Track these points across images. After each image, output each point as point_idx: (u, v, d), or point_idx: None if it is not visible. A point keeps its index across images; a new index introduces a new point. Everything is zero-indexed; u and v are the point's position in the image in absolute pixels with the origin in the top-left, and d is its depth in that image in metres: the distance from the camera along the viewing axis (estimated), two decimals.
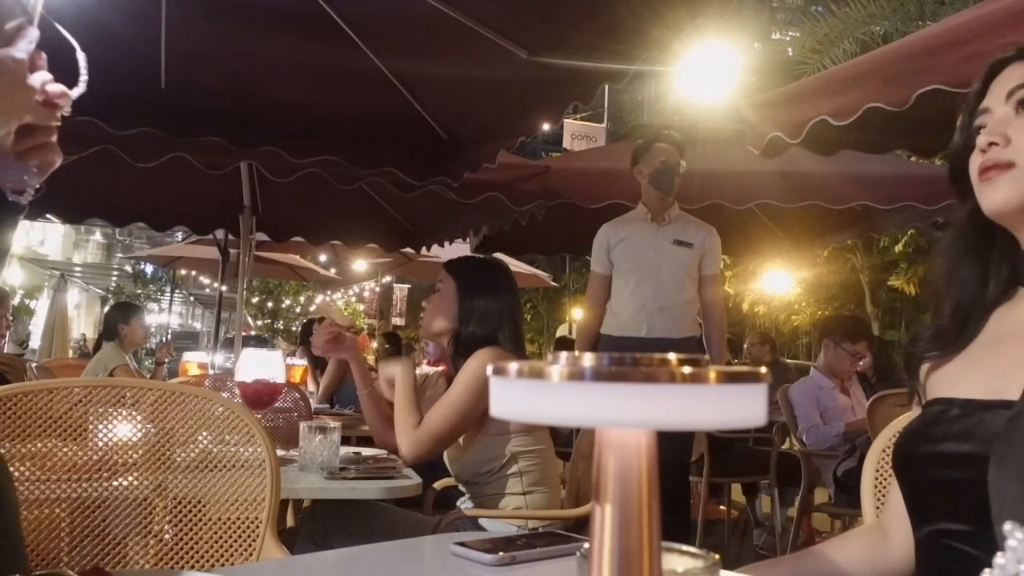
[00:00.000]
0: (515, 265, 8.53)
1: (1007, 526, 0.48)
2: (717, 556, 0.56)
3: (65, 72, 0.90)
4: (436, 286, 2.36)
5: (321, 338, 2.29)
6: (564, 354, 0.40)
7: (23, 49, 0.83)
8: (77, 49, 0.90)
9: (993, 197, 0.95)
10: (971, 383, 0.96)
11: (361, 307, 21.89)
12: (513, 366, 0.40)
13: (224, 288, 7.08)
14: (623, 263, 3.63)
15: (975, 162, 0.98)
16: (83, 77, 0.90)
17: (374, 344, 13.70)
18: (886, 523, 1.07)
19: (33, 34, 0.85)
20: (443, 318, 2.27)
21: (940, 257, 1.07)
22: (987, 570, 0.48)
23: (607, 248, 3.70)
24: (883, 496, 1.26)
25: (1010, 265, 1.00)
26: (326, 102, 3.44)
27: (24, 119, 0.85)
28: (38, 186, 0.90)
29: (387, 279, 15.71)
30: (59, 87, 0.88)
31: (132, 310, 5.13)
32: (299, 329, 8.42)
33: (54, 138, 0.90)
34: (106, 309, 6.34)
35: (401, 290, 18.57)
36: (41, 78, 0.86)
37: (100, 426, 1.42)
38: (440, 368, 2.62)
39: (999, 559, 0.48)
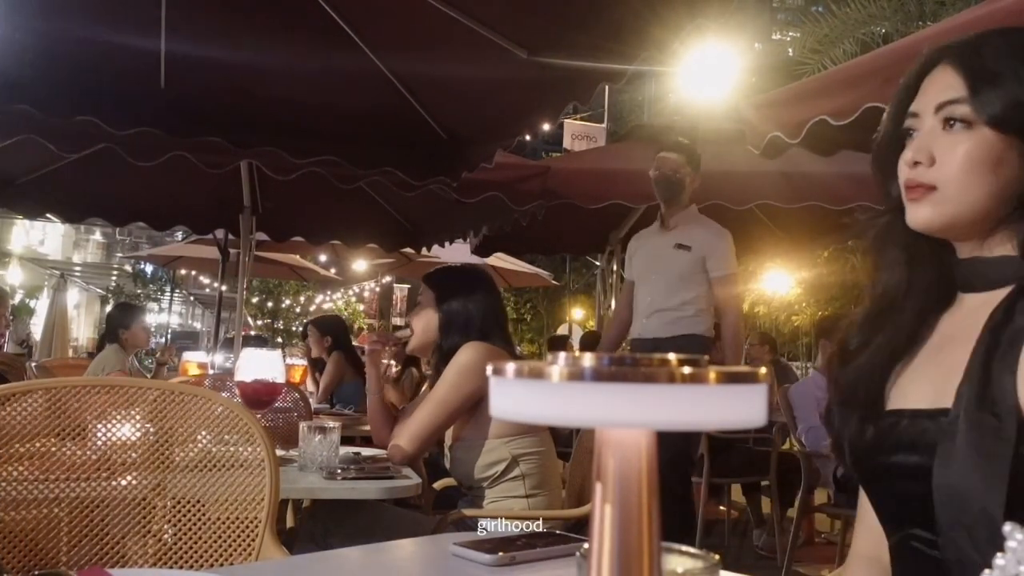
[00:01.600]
0: (515, 265, 8.53)
1: (1007, 527, 0.48)
2: (717, 556, 0.56)
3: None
4: (417, 299, 2.39)
5: (377, 341, 2.42)
6: (564, 354, 0.40)
7: None
8: None
9: (916, 216, 0.95)
10: (916, 392, 0.96)
11: (361, 307, 21.88)
12: (513, 366, 0.40)
13: (224, 288, 7.08)
14: (634, 270, 3.82)
15: (902, 172, 0.97)
16: None
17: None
18: (871, 548, 1.06)
19: None
20: (428, 331, 2.29)
21: (868, 255, 1.07)
22: (987, 571, 0.48)
23: (630, 256, 3.90)
24: None
25: (945, 272, 1.00)
26: (326, 102, 3.44)
27: None
28: None
29: (387, 279, 15.72)
30: None
31: (134, 312, 5.11)
32: (299, 329, 8.43)
33: None
34: (107, 310, 6.35)
35: (401, 290, 18.57)
36: None
37: (100, 426, 1.42)
38: None
39: (999, 560, 0.48)
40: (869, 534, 1.05)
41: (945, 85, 0.96)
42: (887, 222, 1.03)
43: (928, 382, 0.96)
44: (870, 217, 1.07)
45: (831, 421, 1.04)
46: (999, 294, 0.93)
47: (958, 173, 0.92)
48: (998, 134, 0.92)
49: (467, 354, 2.16)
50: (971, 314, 0.96)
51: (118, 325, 4.80)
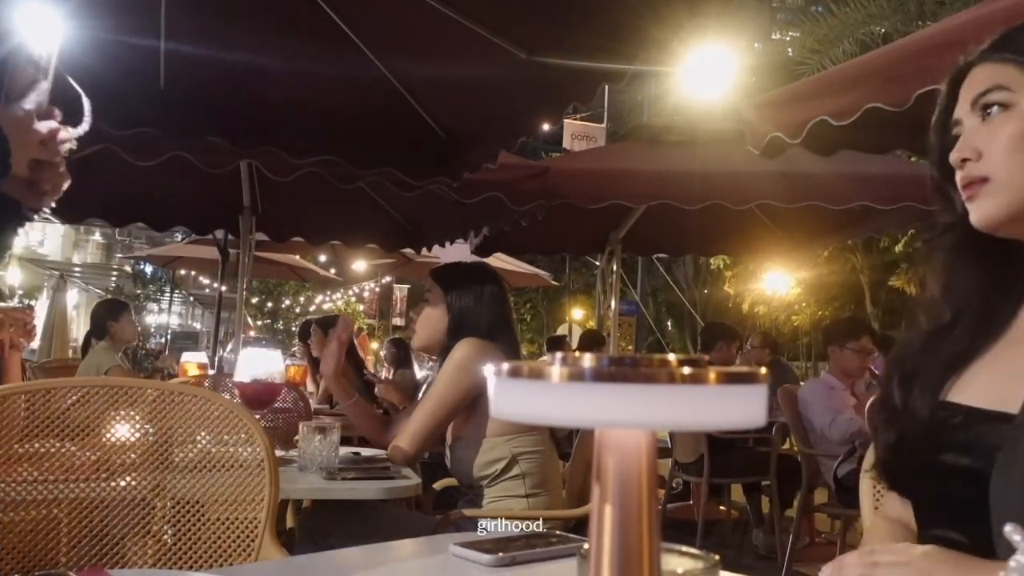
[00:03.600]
0: (515, 265, 8.53)
1: (1008, 527, 0.48)
2: (717, 556, 0.56)
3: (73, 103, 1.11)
4: (424, 295, 2.35)
5: (333, 350, 2.35)
6: (564, 354, 0.40)
7: (32, 101, 1.07)
8: (82, 95, 1.14)
9: (977, 213, 0.94)
10: (978, 388, 0.93)
11: (361, 307, 21.89)
12: (513, 366, 0.40)
13: (224, 288, 7.07)
14: None
15: (957, 177, 0.97)
16: (87, 119, 1.13)
17: (374, 345, 13.68)
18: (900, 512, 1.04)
19: (43, 87, 1.08)
20: (436, 329, 2.27)
21: (938, 266, 1.04)
22: (1001, 573, 0.48)
23: None
24: (881, 496, 1.25)
25: (1013, 260, 0.97)
26: (326, 102, 3.43)
27: (33, 155, 1.08)
28: (52, 205, 1.12)
29: (387, 279, 15.72)
30: (64, 131, 1.11)
31: (120, 307, 5.10)
32: (298, 329, 8.43)
33: (62, 168, 1.13)
34: (91, 308, 6.37)
35: (401, 290, 18.57)
36: (48, 125, 1.08)
37: (99, 426, 1.42)
38: None
39: (1012, 562, 0.47)
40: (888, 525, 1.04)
41: (978, 82, 0.96)
42: (958, 237, 1.01)
43: (992, 380, 0.93)
44: (935, 234, 1.04)
45: (884, 406, 1.01)
46: None
47: (1006, 156, 0.91)
48: None
49: (463, 350, 2.16)
50: None
51: (107, 319, 4.78)
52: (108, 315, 4.84)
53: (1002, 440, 0.84)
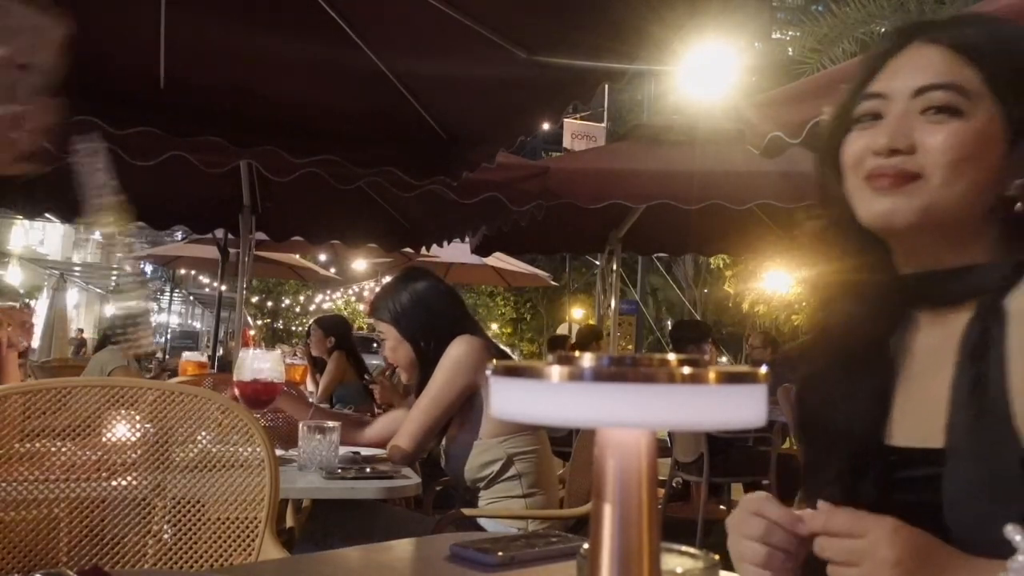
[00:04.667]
0: (515, 265, 8.53)
1: (1008, 527, 0.48)
2: (717, 556, 0.56)
3: None
4: (378, 335, 2.38)
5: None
6: (564, 354, 0.40)
7: None
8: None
9: (881, 207, 0.86)
10: (899, 429, 0.89)
11: (361, 307, 21.88)
12: (513, 366, 0.40)
13: (224, 288, 7.08)
14: None
15: (864, 161, 0.87)
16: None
17: (374, 344, 13.66)
18: None
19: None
20: (411, 360, 2.27)
21: (816, 269, 0.97)
22: (1001, 573, 0.48)
23: None
24: None
25: (896, 288, 0.92)
26: (326, 101, 3.43)
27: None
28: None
29: (387, 279, 15.72)
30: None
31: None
32: (300, 330, 8.45)
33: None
34: (92, 307, 6.37)
35: None
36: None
37: (99, 426, 1.42)
38: None
39: (1012, 562, 0.48)
40: None
41: (925, 65, 0.87)
42: (835, 228, 0.94)
43: (909, 417, 0.89)
44: (818, 224, 0.96)
45: (805, 432, 0.97)
46: (959, 312, 0.86)
47: (945, 163, 0.84)
48: (985, 124, 0.84)
49: (458, 348, 2.16)
50: (933, 336, 0.89)
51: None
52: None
53: (941, 475, 0.82)
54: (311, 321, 7.39)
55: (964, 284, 0.87)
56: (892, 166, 0.85)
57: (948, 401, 0.84)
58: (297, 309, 24.06)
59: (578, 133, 13.53)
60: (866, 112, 0.89)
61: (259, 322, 23.34)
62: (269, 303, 24.02)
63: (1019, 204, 0.85)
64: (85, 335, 17.84)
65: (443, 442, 2.29)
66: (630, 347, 13.35)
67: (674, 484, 5.42)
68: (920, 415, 0.87)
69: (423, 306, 2.25)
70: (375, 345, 11.21)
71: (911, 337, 0.91)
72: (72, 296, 18.64)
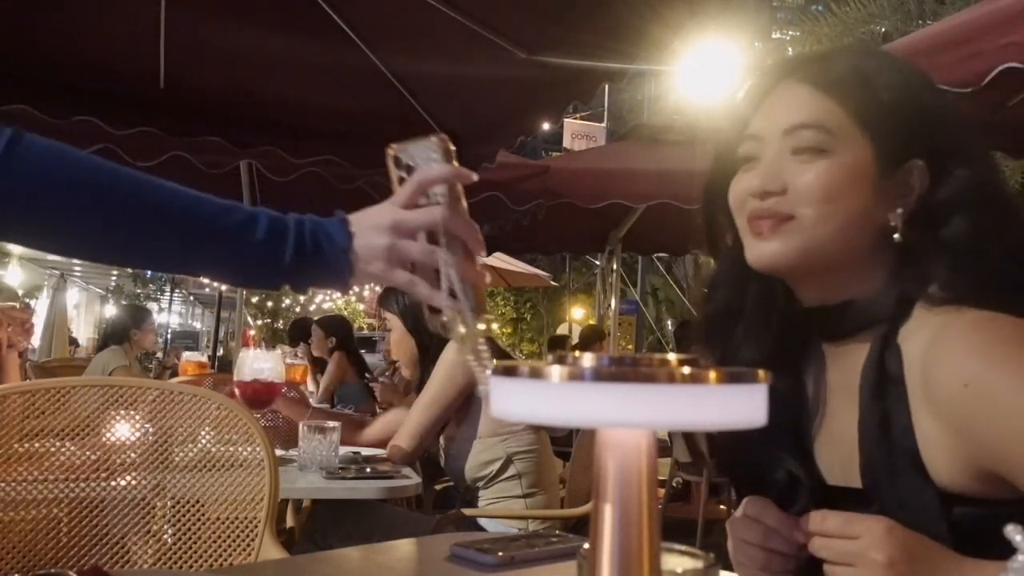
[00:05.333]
0: (515, 265, 8.53)
1: (1008, 527, 0.48)
2: (715, 556, 0.56)
3: None
4: (384, 326, 2.38)
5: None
6: (564, 354, 0.40)
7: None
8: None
9: (764, 251, 0.87)
10: (823, 464, 0.91)
11: (361, 307, 21.88)
12: (513, 366, 0.40)
13: (224, 288, 7.07)
14: None
15: (745, 204, 0.89)
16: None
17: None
18: None
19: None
20: (412, 352, 2.28)
21: (706, 302, 0.98)
22: (1002, 573, 0.48)
23: None
24: None
25: (794, 320, 0.93)
26: (325, 101, 3.43)
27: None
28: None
29: None
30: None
31: (143, 315, 5.19)
32: (288, 329, 8.43)
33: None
34: (115, 312, 6.41)
35: None
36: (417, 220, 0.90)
37: (99, 426, 1.42)
38: None
39: (1012, 562, 0.48)
40: None
41: (793, 104, 0.88)
42: (729, 273, 0.95)
43: (829, 454, 0.91)
44: (714, 272, 0.98)
45: (740, 490, 0.96)
46: (860, 344, 0.87)
47: (815, 201, 0.84)
48: (854, 159, 0.85)
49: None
50: (839, 369, 0.91)
51: (128, 327, 4.83)
52: (132, 323, 4.89)
53: (865, 510, 0.82)
54: (294, 320, 7.38)
55: (851, 318, 0.88)
56: (766, 209, 0.86)
57: (857, 441, 0.85)
58: (297, 309, 24.06)
59: (578, 133, 13.53)
60: (746, 154, 0.90)
61: (259, 322, 23.32)
62: (269, 303, 24.01)
63: (896, 235, 0.86)
64: (75, 334, 17.86)
65: (442, 441, 2.29)
66: (630, 347, 13.35)
67: (674, 484, 5.42)
68: (838, 454, 0.89)
69: None
70: (375, 344, 11.20)
71: (820, 370, 0.93)
72: (72, 296, 18.64)
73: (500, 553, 1.05)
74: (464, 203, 0.88)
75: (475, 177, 0.90)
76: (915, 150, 0.86)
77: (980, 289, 0.82)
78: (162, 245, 0.85)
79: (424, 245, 0.85)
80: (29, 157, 0.77)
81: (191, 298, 29.29)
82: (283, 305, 24.47)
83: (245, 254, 0.83)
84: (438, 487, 2.72)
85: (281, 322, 24.39)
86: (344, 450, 2.13)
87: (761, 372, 0.39)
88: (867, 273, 0.87)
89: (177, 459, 1.44)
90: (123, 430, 1.43)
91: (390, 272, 0.85)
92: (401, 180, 0.92)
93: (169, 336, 21.87)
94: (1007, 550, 0.48)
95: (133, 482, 1.41)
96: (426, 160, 0.88)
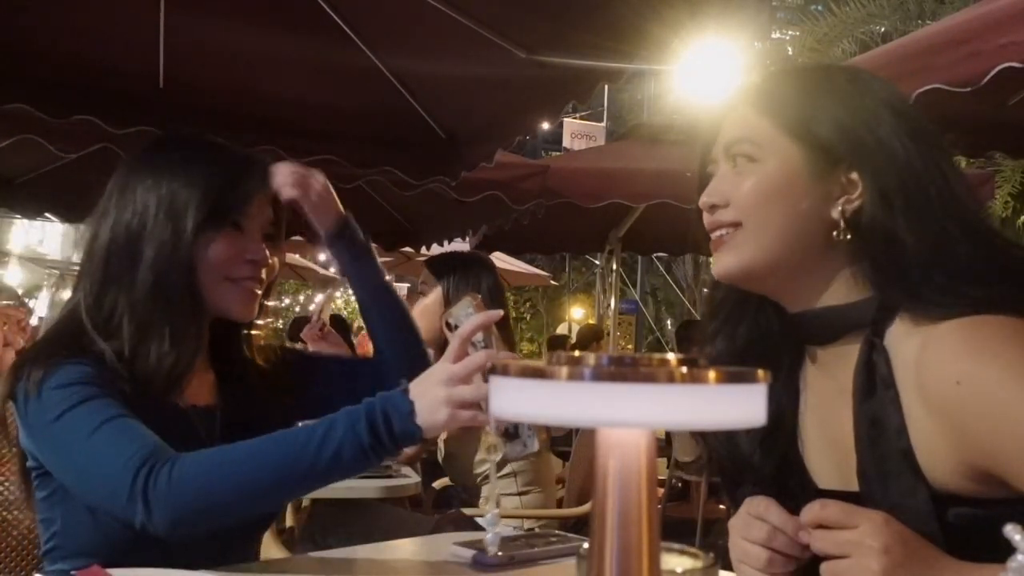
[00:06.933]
0: (514, 265, 8.53)
1: (1008, 527, 0.48)
2: (714, 556, 0.56)
3: None
4: (419, 287, 2.31)
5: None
6: (564, 354, 0.40)
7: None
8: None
9: (720, 264, 0.93)
10: (817, 469, 0.94)
11: None
12: (513, 366, 0.40)
13: None
14: None
15: (707, 222, 0.96)
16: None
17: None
18: None
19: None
20: (432, 322, 2.24)
21: (710, 321, 1.04)
22: (1001, 574, 0.48)
23: None
24: None
25: (783, 329, 0.96)
26: (324, 101, 3.43)
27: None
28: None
29: (387, 278, 15.69)
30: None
31: None
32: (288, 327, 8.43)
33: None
34: None
35: (401, 289, 18.58)
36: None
37: None
38: None
39: (1012, 562, 0.47)
40: None
41: (732, 125, 0.95)
42: (723, 297, 1.01)
43: (823, 459, 0.93)
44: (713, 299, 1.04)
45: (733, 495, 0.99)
46: (847, 347, 0.90)
47: (754, 206, 0.90)
48: (782, 163, 0.90)
49: None
50: (829, 370, 0.93)
51: None
52: None
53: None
54: (294, 319, 7.36)
55: (832, 323, 0.91)
56: (716, 220, 0.94)
57: (853, 444, 0.87)
58: (297, 309, 24.06)
59: (578, 133, 13.52)
60: (709, 175, 0.99)
61: (259, 321, 23.31)
62: (270, 303, 24.02)
63: (835, 232, 0.89)
64: None
65: (441, 440, 2.29)
66: (630, 347, 13.35)
67: (674, 483, 5.42)
68: (833, 458, 0.91)
69: (477, 286, 2.19)
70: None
71: (811, 372, 0.96)
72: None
73: (500, 553, 1.05)
74: (498, 334, 1.10)
75: (500, 314, 1.11)
76: (843, 154, 0.89)
77: (953, 294, 0.83)
78: (287, 489, 1.13)
79: (479, 385, 0.99)
80: (186, 478, 1.03)
81: None
82: (283, 305, 24.49)
83: (339, 458, 1.00)
84: (437, 486, 2.72)
85: (281, 321, 24.41)
86: None
87: (761, 372, 0.39)
88: (832, 275, 0.90)
89: None
90: None
91: (454, 416, 0.99)
92: None
93: None
94: (1002, 551, 0.48)
95: None
96: (466, 316, 1.06)
